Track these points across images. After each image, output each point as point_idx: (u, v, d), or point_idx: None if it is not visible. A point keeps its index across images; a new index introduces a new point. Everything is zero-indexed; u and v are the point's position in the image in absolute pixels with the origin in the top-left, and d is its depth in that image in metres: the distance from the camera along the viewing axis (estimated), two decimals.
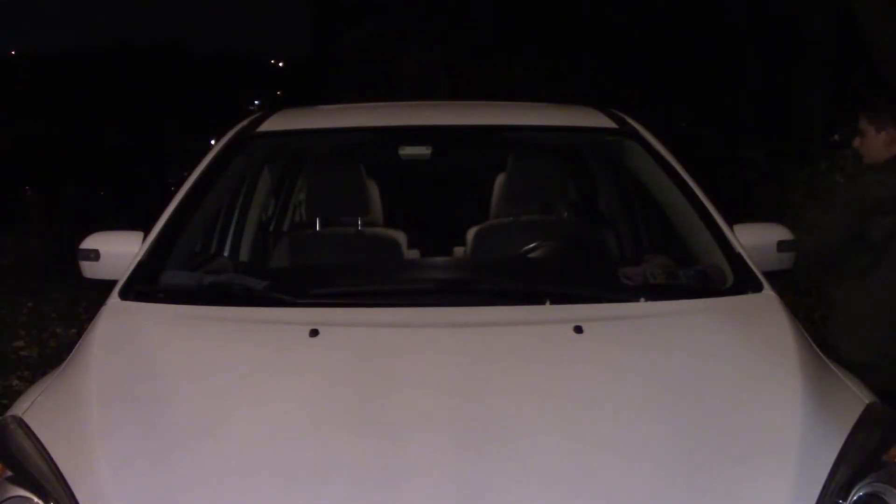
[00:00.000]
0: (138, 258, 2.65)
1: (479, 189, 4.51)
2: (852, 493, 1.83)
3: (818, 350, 2.34)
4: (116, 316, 2.45)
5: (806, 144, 10.53)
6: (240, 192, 3.93)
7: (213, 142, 3.38)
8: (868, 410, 2.03)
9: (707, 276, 2.59)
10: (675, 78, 13.55)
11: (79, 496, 1.80)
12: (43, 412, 2.06)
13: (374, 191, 4.27)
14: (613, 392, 2.06)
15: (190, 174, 3.04)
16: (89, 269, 2.81)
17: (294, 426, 1.94)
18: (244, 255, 3.94)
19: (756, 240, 2.77)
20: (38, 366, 6.30)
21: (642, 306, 2.42)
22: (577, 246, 3.52)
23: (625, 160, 3.39)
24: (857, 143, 4.14)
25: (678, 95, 13.62)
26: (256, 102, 36.72)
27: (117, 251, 2.75)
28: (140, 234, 2.79)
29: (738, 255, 2.63)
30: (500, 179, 4.16)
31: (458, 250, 4.14)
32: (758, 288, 2.52)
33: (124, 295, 2.52)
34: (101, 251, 2.79)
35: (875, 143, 4.03)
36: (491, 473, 1.80)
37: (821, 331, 4.56)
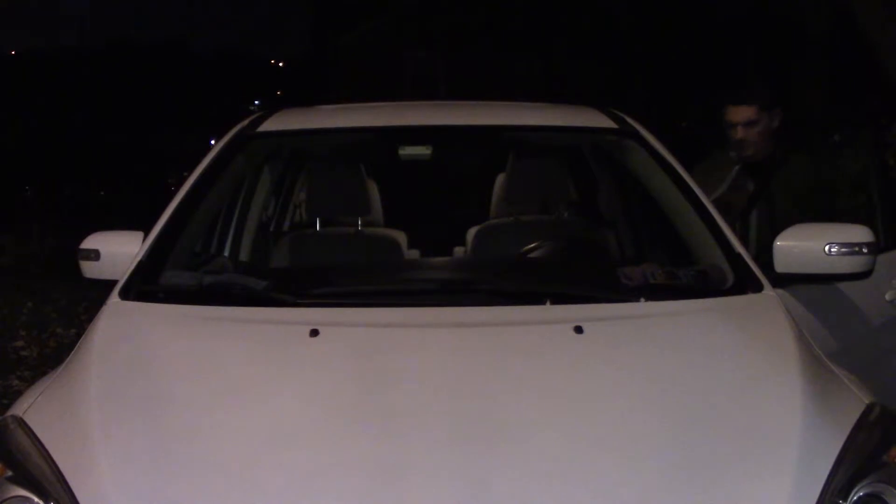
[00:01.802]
0: (138, 258, 2.65)
1: (479, 189, 4.51)
2: (852, 494, 1.82)
3: (818, 350, 2.34)
4: (117, 316, 2.45)
5: (806, 144, 10.52)
6: (240, 192, 3.93)
7: (213, 142, 3.37)
8: (868, 411, 2.03)
9: (707, 276, 2.58)
10: (675, 78, 13.55)
11: (79, 496, 1.80)
12: (43, 412, 2.06)
13: (374, 191, 4.27)
14: (614, 392, 2.06)
15: (190, 174, 3.04)
16: (89, 269, 2.81)
17: (294, 426, 1.94)
18: (244, 255, 3.94)
19: (804, 240, 2.69)
20: (38, 366, 6.30)
21: (642, 306, 2.42)
22: (577, 246, 3.51)
23: (625, 160, 3.39)
24: (742, 134, 3.76)
25: (678, 95, 13.63)
26: (256, 102, 36.72)
27: (117, 251, 2.75)
28: (140, 234, 2.79)
29: (738, 255, 2.63)
30: (500, 179, 4.16)
31: (458, 250, 4.14)
32: (758, 288, 2.52)
33: (124, 295, 2.52)
34: (102, 251, 2.79)
35: (766, 132, 3.77)
36: (492, 473, 1.80)
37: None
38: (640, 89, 13.13)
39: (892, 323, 3.52)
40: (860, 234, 2.71)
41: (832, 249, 2.67)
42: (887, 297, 3.52)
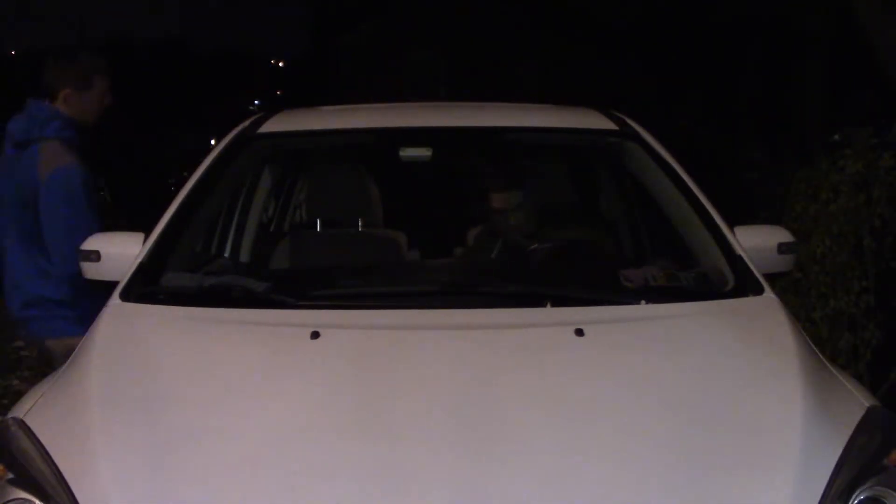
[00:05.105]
0: (139, 259, 2.65)
1: (479, 190, 4.50)
2: (853, 497, 1.83)
3: (819, 353, 2.34)
4: (117, 317, 2.45)
5: (806, 144, 10.53)
6: (240, 193, 3.93)
7: (213, 142, 3.37)
8: (869, 414, 2.03)
9: (708, 279, 2.59)
10: (674, 78, 13.55)
11: (80, 498, 1.81)
12: (44, 414, 2.06)
13: (374, 192, 4.27)
14: (614, 395, 2.06)
15: (190, 175, 3.03)
16: (90, 270, 2.81)
17: (295, 429, 1.94)
18: (244, 256, 3.94)
19: (757, 241, 2.77)
20: (38, 366, 6.28)
21: (643, 309, 2.42)
22: (578, 248, 3.51)
23: (625, 162, 3.39)
24: None
25: (677, 95, 13.62)
26: (256, 102, 36.71)
27: (118, 252, 2.75)
28: (141, 236, 2.79)
29: (739, 258, 2.63)
30: None
31: (459, 251, 4.13)
32: (758, 290, 2.52)
33: (125, 296, 2.52)
34: (102, 252, 2.78)
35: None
36: (492, 476, 1.80)
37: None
38: (640, 89, 13.12)
39: None
40: (788, 233, 2.85)
41: (781, 249, 2.79)
42: None
